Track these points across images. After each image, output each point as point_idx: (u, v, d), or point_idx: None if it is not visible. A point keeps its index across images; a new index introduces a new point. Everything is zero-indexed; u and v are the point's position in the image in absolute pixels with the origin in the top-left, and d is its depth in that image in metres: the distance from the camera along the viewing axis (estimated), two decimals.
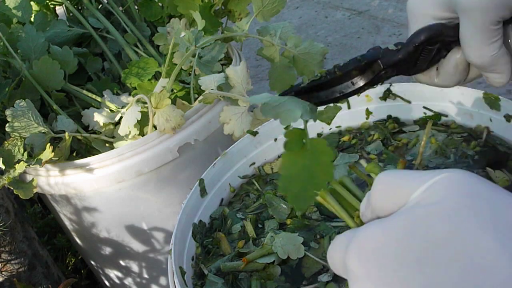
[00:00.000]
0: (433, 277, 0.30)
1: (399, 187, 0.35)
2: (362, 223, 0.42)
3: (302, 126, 0.42)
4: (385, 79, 0.54)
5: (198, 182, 0.82)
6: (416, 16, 0.53)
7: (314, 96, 0.54)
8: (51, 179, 1.03)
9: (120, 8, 1.36)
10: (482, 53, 0.48)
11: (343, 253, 0.35)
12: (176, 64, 1.13)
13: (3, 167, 0.94)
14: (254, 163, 0.90)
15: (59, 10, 1.40)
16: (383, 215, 0.36)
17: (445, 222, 0.31)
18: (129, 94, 1.20)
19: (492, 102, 0.78)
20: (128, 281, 1.22)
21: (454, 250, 0.30)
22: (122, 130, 1.02)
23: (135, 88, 1.18)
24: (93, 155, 1.02)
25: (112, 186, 1.02)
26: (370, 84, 0.53)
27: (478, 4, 0.46)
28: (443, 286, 0.29)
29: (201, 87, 1.04)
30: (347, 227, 0.70)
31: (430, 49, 0.52)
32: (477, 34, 0.48)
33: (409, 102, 0.88)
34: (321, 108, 0.92)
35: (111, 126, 1.10)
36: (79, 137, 1.08)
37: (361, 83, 0.53)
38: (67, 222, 1.19)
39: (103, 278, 1.30)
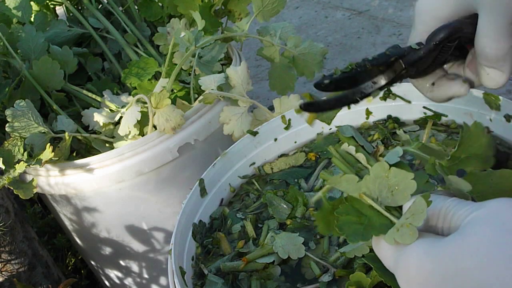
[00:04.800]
0: None
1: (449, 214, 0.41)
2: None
3: None
4: (405, 77, 0.54)
5: (198, 182, 0.82)
6: (427, 17, 0.54)
7: (339, 99, 0.54)
8: (51, 179, 1.03)
9: (120, 8, 1.36)
10: (499, 45, 0.49)
11: (392, 266, 0.42)
12: (176, 64, 1.13)
13: (3, 167, 0.94)
14: (254, 163, 0.90)
15: (59, 10, 1.40)
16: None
17: (472, 256, 0.35)
18: (129, 94, 1.20)
19: (492, 102, 0.78)
20: (128, 281, 1.22)
21: (478, 282, 0.33)
22: (122, 130, 1.02)
23: (135, 88, 1.18)
24: (93, 155, 1.01)
25: (112, 186, 1.02)
26: (390, 83, 0.53)
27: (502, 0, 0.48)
28: None
29: (201, 87, 1.04)
30: None
31: (449, 46, 0.52)
32: (497, 27, 0.49)
33: (409, 102, 0.88)
34: None
35: (111, 126, 1.10)
36: (79, 137, 1.08)
37: (382, 82, 0.53)
38: (67, 222, 1.19)
39: (103, 278, 1.30)
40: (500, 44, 0.49)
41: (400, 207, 0.45)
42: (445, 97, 0.56)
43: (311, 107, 0.54)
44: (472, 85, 0.56)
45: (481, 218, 0.37)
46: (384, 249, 0.43)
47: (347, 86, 0.53)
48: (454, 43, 0.52)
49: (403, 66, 0.52)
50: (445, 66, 0.57)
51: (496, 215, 0.36)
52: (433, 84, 0.56)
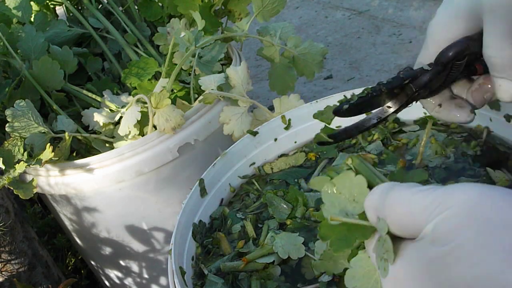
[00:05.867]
0: None
1: (413, 216, 0.34)
2: None
3: None
4: (418, 99, 0.55)
5: (198, 182, 0.82)
6: (438, 37, 0.53)
7: (357, 126, 0.58)
8: (51, 179, 1.03)
9: (120, 8, 1.36)
10: (504, 53, 0.48)
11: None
12: (176, 64, 1.13)
13: (3, 167, 0.94)
14: (254, 163, 0.90)
15: (59, 10, 1.40)
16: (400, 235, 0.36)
17: (465, 265, 0.29)
18: (129, 94, 1.20)
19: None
20: (128, 281, 1.22)
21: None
22: (122, 130, 1.02)
23: (135, 88, 1.18)
24: (93, 155, 1.02)
25: (112, 186, 1.02)
26: (405, 106, 0.56)
27: (505, 2, 0.46)
28: None
29: (201, 87, 1.04)
30: None
31: (458, 64, 0.52)
32: (500, 34, 0.47)
33: None
34: (321, 108, 0.92)
35: (111, 126, 1.10)
36: (79, 137, 1.08)
37: (396, 106, 0.56)
38: (67, 222, 1.19)
39: (103, 278, 1.30)
40: (504, 52, 0.48)
41: None
42: (450, 120, 0.57)
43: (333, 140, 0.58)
44: (474, 109, 0.57)
45: (457, 221, 0.31)
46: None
47: (364, 110, 0.56)
48: (463, 61, 0.52)
49: (414, 89, 0.53)
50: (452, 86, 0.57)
51: (475, 213, 0.30)
52: (439, 105, 0.57)
